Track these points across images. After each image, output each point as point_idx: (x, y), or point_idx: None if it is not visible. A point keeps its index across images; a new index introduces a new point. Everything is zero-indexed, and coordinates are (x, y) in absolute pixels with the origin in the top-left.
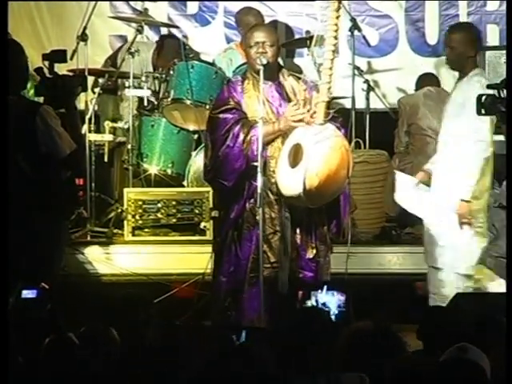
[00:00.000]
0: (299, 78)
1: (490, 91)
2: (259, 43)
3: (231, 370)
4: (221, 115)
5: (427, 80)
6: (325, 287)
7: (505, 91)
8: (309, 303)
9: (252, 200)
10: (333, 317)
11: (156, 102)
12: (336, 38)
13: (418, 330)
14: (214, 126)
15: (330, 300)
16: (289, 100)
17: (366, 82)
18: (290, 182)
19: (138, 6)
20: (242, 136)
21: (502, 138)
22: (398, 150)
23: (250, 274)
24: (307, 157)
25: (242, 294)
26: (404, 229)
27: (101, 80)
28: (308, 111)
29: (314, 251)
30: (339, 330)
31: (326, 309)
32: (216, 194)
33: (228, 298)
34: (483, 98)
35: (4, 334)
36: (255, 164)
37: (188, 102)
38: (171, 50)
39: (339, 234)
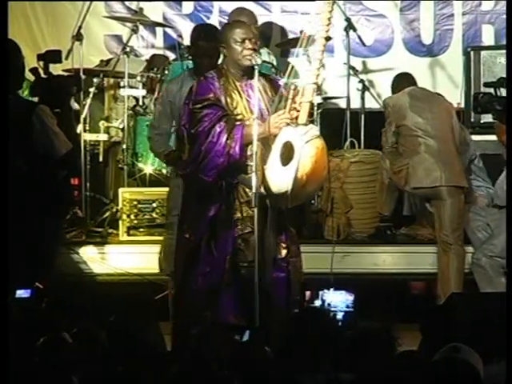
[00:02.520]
0: (268, 76)
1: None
2: (246, 40)
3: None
4: (204, 110)
5: (404, 80)
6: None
7: (501, 90)
8: (316, 303)
9: (229, 200)
10: (340, 316)
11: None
12: (327, 38)
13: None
14: (196, 120)
15: (338, 300)
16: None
17: (361, 81)
18: (281, 179)
19: (133, 5)
20: (225, 132)
21: (494, 138)
22: (384, 149)
23: (227, 275)
24: (298, 156)
25: (219, 295)
26: (399, 229)
27: (95, 80)
28: (291, 118)
29: (286, 251)
30: (346, 330)
31: (333, 309)
32: (190, 191)
33: (204, 299)
34: (480, 96)
35: (4, 334)
36: (250, 164)
37: None
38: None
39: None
